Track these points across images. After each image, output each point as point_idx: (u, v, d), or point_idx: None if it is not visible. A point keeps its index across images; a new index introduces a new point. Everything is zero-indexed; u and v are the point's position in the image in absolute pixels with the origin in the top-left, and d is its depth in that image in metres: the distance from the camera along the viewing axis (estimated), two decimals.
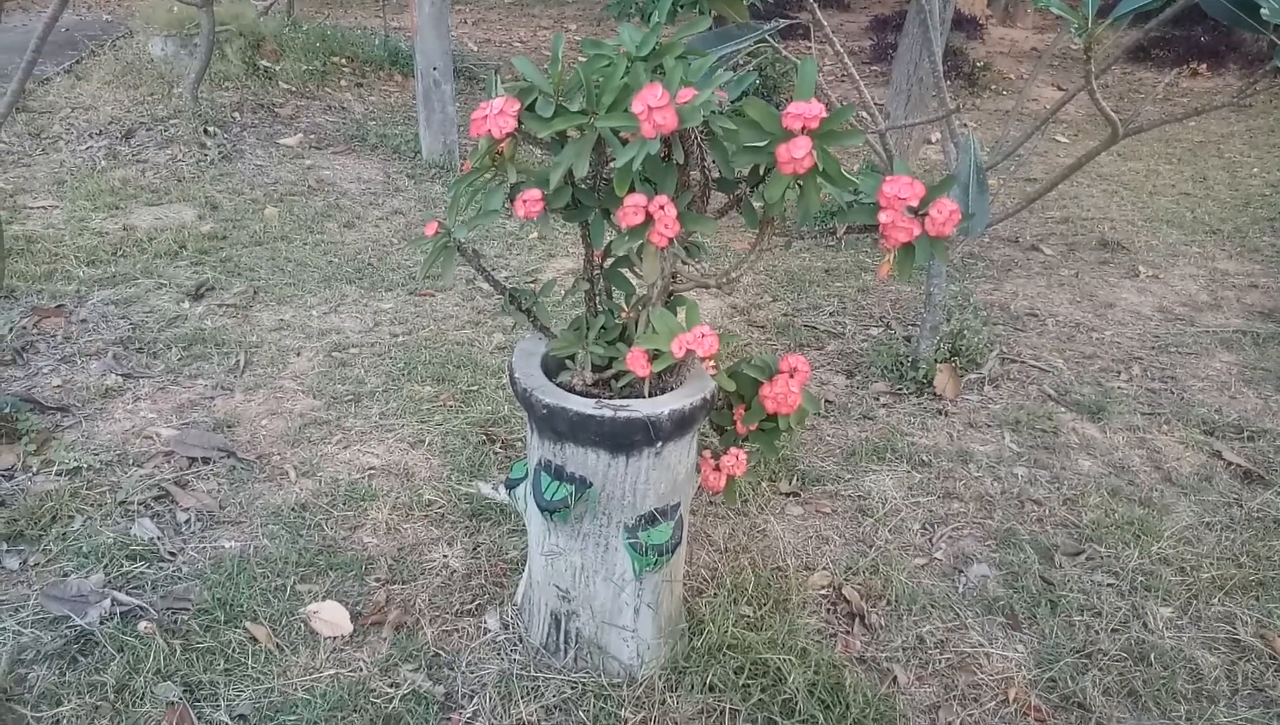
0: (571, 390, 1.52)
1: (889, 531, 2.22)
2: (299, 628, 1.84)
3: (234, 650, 1.77)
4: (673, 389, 1.51)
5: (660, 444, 1.46)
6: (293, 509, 2.21)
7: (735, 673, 1.67)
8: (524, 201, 1.41)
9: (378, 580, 1.99)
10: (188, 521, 2.16)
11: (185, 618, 1.84)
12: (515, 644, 1.78)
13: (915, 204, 1.42)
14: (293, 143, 5.07)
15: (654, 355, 1.45)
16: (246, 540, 2.11)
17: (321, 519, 2.18)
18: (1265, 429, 2.77)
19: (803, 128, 1.29)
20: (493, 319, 3.32)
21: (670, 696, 1.64)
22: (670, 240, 1.33)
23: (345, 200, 4.47)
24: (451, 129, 4.97)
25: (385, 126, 5.52)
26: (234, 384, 2.80)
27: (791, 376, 1.64)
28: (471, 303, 3.51)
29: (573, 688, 1.66)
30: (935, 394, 2.86)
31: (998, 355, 3.13)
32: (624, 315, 1.61)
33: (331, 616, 1.87)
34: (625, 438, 1.43)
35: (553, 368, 1.58)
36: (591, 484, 1.50)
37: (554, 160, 1.37)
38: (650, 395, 1.49)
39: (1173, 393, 3.02)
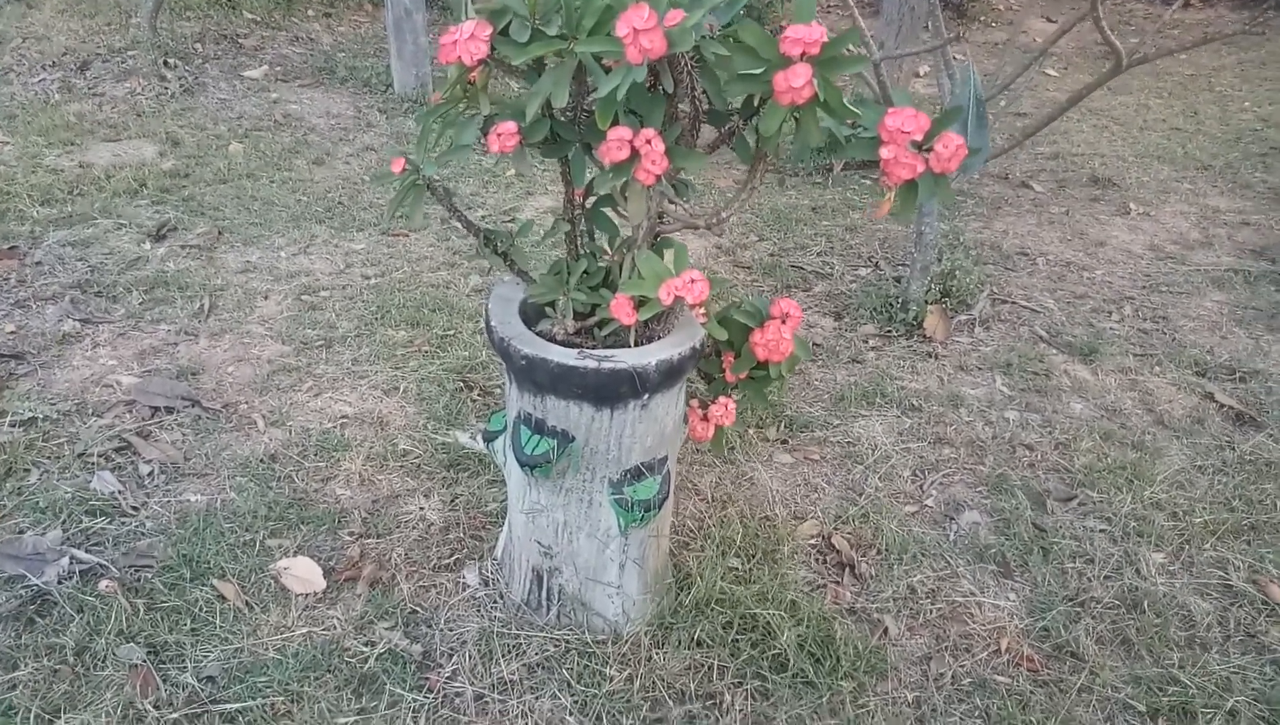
0: (552, 339, 1.43)
1: (879, 479, 2.16)
2: (269, 585, 1.77)
3: (201, 609, 1.70)
4: (660, 337, 1.43)
5: (647, 396, 1.38)
6: (261, 460, 2.13)
7: (724, 628, 1.62)
8: (498, 135, 1.30)
9: (351, 534, 1.92)
10: (150, 474, 2.07)
11: (149, 576, 1.76)
12: (495, 600, 1.72)
13: (919, 138, 1.32)
14: (258, 75, 4.85)
15: (640, 302, 1.36)
16: (213, 493, 2.02)
17: (292, 470, 2.10)
18: (1257, 370, 2.73)
19: (802, 54, 1.18)
20: (468, 260, 3.21)
21: (656, 653, 1.59)
22: (657, 177, 1.23)
23: (314, 136, 4.29)
24: (424, 61, 4.77)
25: (355, 58, 5.29)
26: (198, 329, 2.68)
27: (783, 322, 1.56)
28: (446, 243, 3.38)
29: (555, 645, 1.61)
30: (925, 336, 2.79)
31: (988, 296, 3.06)
32: (607, 258, 1.51)
33: (303, 573, 1.80)
34: (610, 390, 1.35)
35: (532, 315, 1.49)
36: (574, 438, 1.42)
37: (531, 90, 1.26)
38: (636, 344, 1.40)
39: (1164, 333, 2.96)
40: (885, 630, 1.76)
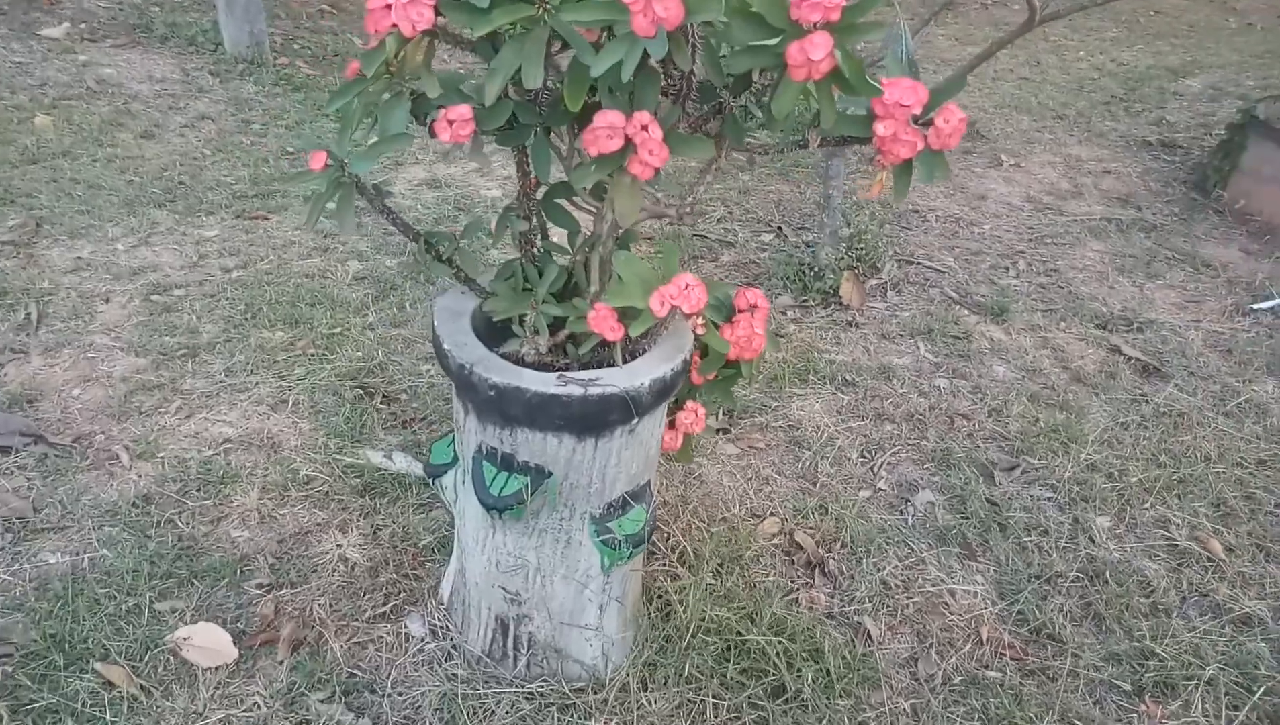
0: (520, 361, 1.22)
1: (829, 464, 2.06)
2: (167, 662, 1.48)
3: (84, 704, 1.40)
4: (646, 350, 1.24)
5: (636, 420, 1.19)
6: (133, 504, 1.80)
7: (714, 660, 1.47)
8: (449, 122, 1.06)
9: (260, 586, 1.64)
10: None
11: (7, 669, 1.44)
12: (450, 653, 1.50)
13: (919, 111, 1.18)
14: (58, 34, 4.21)
15: (625, 313, 1.16)
16: (77, 551, 1.69)
17: (173, 513, 1.79)
18: (1150, 320, 2.82)
19: (820, 20, 1.01)
20: (344, 244, 2.87)
21: (644, 696, 1.43)
22: (655, 171, 1.03)
23: (137, 104, 3.76)
24: (259, 16, 4.26)
25: (174, 14, 4.69)
26: (27, 345, 2.26)
27: (752, 314, 1.40)
28: (316, 225, 3.02)
29: (530, 701, 1.41)
30: (842, 304, 2.72)
31: (893, 257, 3.02)
32: (567, 259, 1.30)
33: (208, 641, 1.52)
34: (598, 418, 1.15)
35: (485, 330, 1.26)
36: (551, 474, 1.22)
37: (490, 65, 1.02)
38: (621, 360, 1.21)
39: (1060, 287, 3.02)
40: (867, 633, 1.66)
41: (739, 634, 1.50)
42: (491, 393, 1.14)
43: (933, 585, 1.78)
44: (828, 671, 1.53)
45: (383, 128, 1.11)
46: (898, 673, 1.60)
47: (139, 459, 1.92)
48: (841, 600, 1.73)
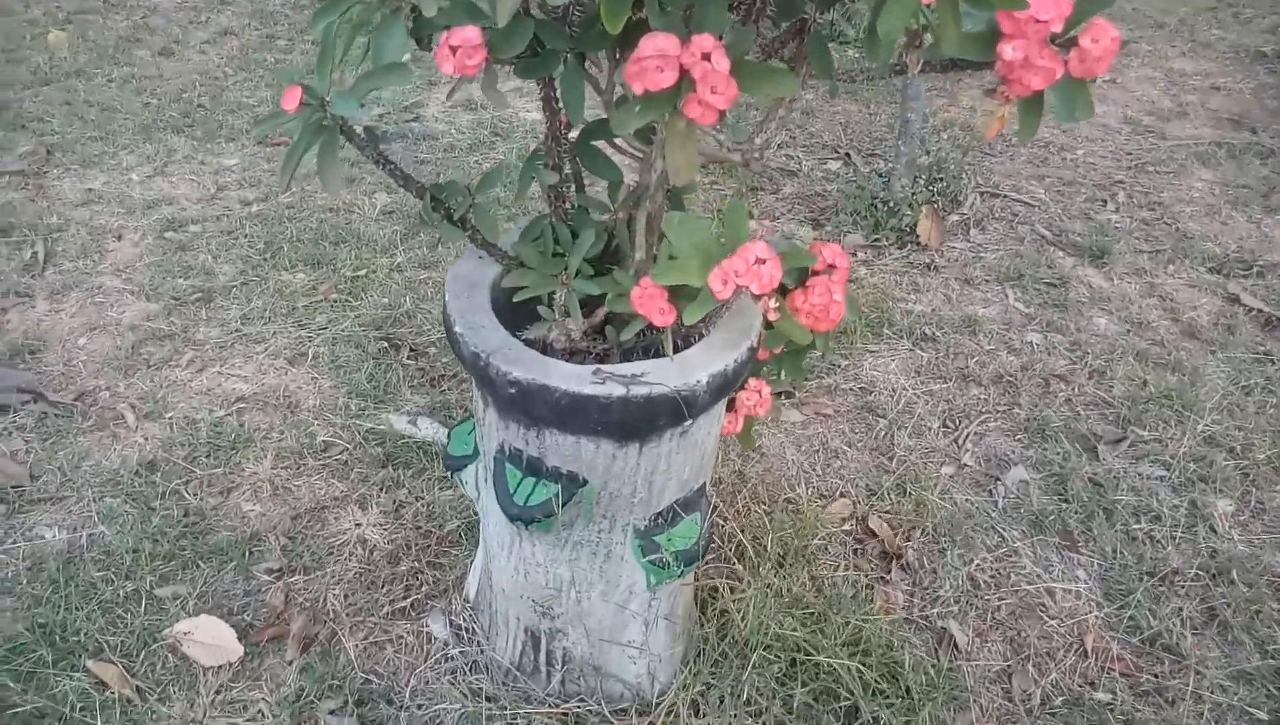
0: (548, 348, 0.99)
1: (907, 435, 1.83)
2: (165, 660, 1.33)
3: (73, 708, 1.26)
4: (702, 334, 1.00)
5: (691, 422, 0.97)
6: (136, 472, 1.64)
7: (777, 680, 1.27)
8: (452, 47, 0.81)
9: (270, 571, 1.48)
10: None
11: None
12: (475, 660, 1.32)
13: (1059, 29, 0.90)
14: None
15: (678, 292, 0.93)
16: (75, 526, 1.54)
17: (179, 482, 1.62)
18: (1273, 262, 2.48)
19: None
20: (371, 174, 2.65)
21: (696, 723, 1.24)
22: (720, 114, 0.78)
23: (156, 19, 3.53)
24: None
25: None
26: (33, 288, 2.10)
27: (830, 277, 1.15)
28: (342, 152, 2.79)
29: (564, 723, 1.23)
30: (919, 244, 2.43)
31: (976, 189, 2.71)
32: (608, 216, 1.06)
33: (211, 636, 1.36)
34: (642, 422, 0.93)
35: (509, 304, 1.04)
36: (587, 482, 1.00)
37: None
38: (672, 348, 0.98)
39: (1166, 223, 2.68)
40: (953, 642, 1.45)
41: (806, 651, 1.30)
42: (512, 390, 0.92)
43: (1028, 583, 1.56)
44: (908, 690, 1.32)
45: (375, 55, 0.87)
46: (988, 690, 1.39)
47: (145, 419, 1.76)
48: (922, 599, 1.52)
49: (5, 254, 2.20)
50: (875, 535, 1.61)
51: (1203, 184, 2.94)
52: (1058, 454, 1.80)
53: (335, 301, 2.11)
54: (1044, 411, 1.90)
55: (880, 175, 2.65)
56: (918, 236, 2.43)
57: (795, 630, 1.32)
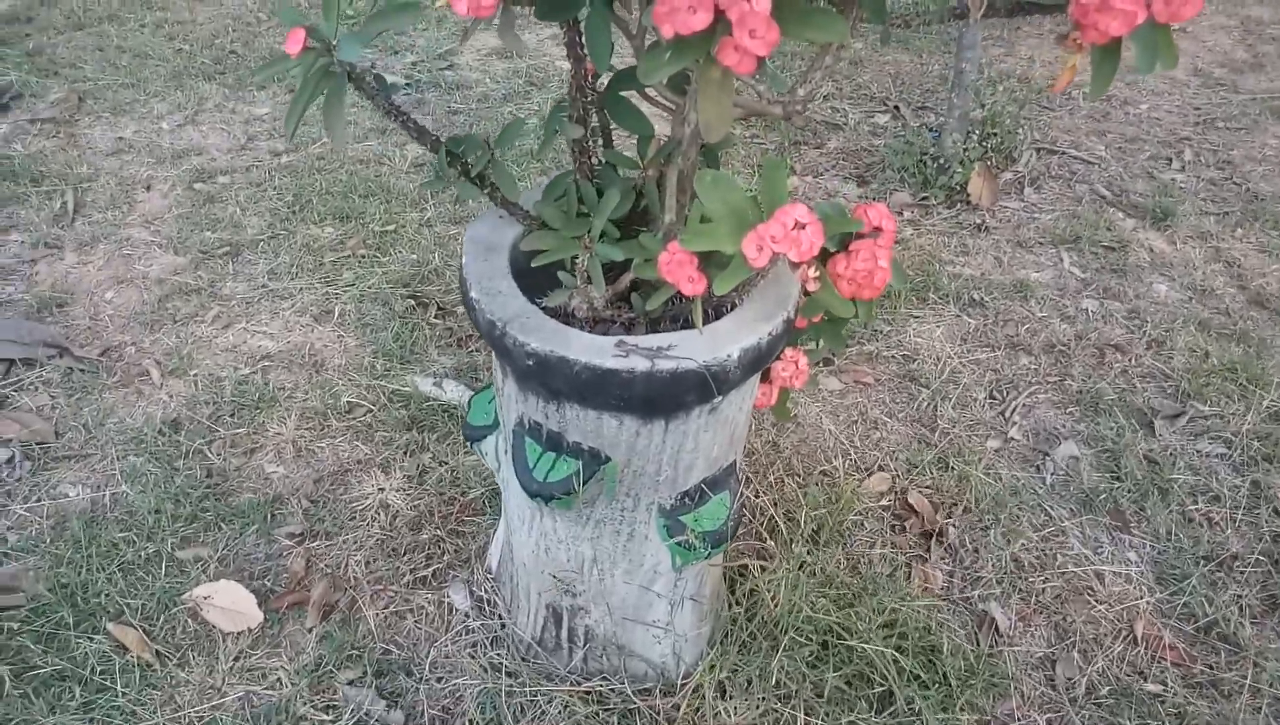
0: (570, 317, 0.93)
1: (951, 406, 1.74)
2: (184, 624, 1.32)
3: (93, 670, 1.24)
4: (734, 303, 0.93)
5: (720, 398, 0.90)
6: (160, 431, 1.62)
7: (808, 664, 1.22)
8: None
9: (291, 536, 1.45)
10: (10, 461, 1.55)
11: (13, 626, 1.29)
12: (495, 634, 1.29)
13: None
14: None
15: (709, 259, 0.86)
16: (99, 485, 1.52)
17: (203, 442, 1.60)
18: None
19: None
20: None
21: (723, 705, 1.19)
22: (759, 61, 0.70)
23: None
24: None
25: None
26: (62, 239, 2.08)
27: (875, 241, 1.07)
28: (295, 135, 2.74)
29: (585, 703, 1.20)
30: (970, 203, 2.32)
31: (1032, 145, 2.57)
32: (637, 173, 0.99)
33: (231, 602, 1.34)
34: (669, 398, 0.87)
35: (526, 268, 0.98)
36: (609, 459, 0.94)
37: None
38: (702, 319, 0.91)
39: (1235, 183, 2.53)
40: (994, 625, 1.38)
41: (839, 634, 1.24)
42: (530, 362, 0.86)
43: (1075, 564, 1.48)
44: (945, 676, 1.27)
45: None
46: (1030, 677, 1.33)
47: (170, 376, 1.74)
48: (963, 580, 1.45)
49: (36, 204, 2.18)
50: (915, 512, 1.54)
51: (1277, 141, 2.77)
52: (1111, 429, 1.71)
53: (363, 257, 2.07)
54: (1098, 383, 1.81)
55: (931, 130, 2.53)
56: (968, 195, 2.32)
57: (828, 612, 1.26)
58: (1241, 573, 1.48)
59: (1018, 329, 1.94)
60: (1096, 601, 1.43)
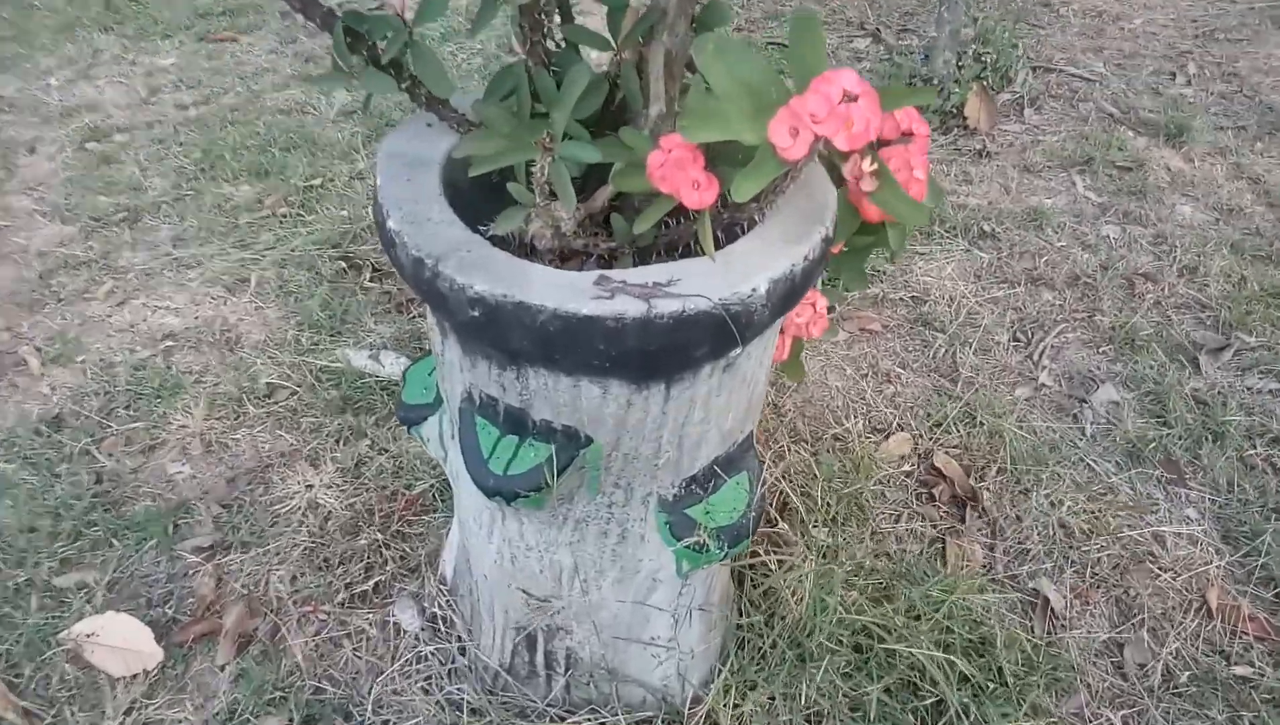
0: (529, 249, 0.68)
1: (972, 352, 1.52)
2: (61, 671, 1.06)
3: None
4: (748, 222, 0.69)
5: (741, 349, 0.66)
6: (37, 430, 1.34)
7: (841, 676, 0.99)
8: None
9: (199, 549, 1.19)
10: None
11: None
12: (454, 661, 1.04)
13: None
14: None
15: (714, 154, 0.61)
16: None
17: (90, 441, 1.33)
18: None
19: None
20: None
21: None
22: None
23: None
24: None
25: None
26: None
27: (907, 147, 0.83)
28: (294, 46, 2.44)
29: None
30: (967, 127, 2.09)
31: (1027, 64, 2.34)
32: (609, 59, 0.73)
33: (122, 638, 1.08)
34: (674, 352, 0.63)
35: (468, 189, 0.72)
36: (591, 441, 0.70)
37: None
38: (713, 244, 0.66)
39: (1246, 96, 2.33)
40: (1048, 606, 1.17)
41: (876, 635, 1.02)
42: (476, 312, 0.61)
43: (1131, 527, 1.27)
44: (1000, 673, 1.05)
45: None
46: (1096, 666, 1.12)
47: (52, 364, 1.45)
48: (1006, 554, 1.24)
49: None
50: (943, 476, 1.32)
51: None
52: (1151, 368, 1.50)
53: (285, 217, 1.79)
54: (1131, 317, 1.60)
55: (920, 51, 2.28)
56: (965, 119, 2.09)
57: (861, 609, 1.03)
58: None
59: (1035, 261, 1.72)
60: (1160, 569, 1.23)
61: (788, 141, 0.58)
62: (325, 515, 1.22)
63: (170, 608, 1.12)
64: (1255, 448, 1.40)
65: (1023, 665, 1.08)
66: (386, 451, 1.30)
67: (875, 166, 0.61)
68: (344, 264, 1.66)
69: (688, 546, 0.78)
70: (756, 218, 0.67)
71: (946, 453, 1.35)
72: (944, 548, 1.23)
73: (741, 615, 1.03)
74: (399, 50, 0.68)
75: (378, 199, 0.68)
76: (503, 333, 0.62)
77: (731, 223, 0.68)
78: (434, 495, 1.22)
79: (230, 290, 1.61)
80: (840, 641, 1.01)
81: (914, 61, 2.18)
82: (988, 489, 1.31)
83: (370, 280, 1.64)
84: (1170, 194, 1.92)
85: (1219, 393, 1.47)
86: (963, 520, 1.27)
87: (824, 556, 1.10)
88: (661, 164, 0.61)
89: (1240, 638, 1.15)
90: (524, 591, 0.88)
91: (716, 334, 0.62)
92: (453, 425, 0.80)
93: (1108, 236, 1.79)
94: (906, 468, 1.33)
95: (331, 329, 1.52)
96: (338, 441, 1.33)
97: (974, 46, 2.19)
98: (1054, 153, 2.03)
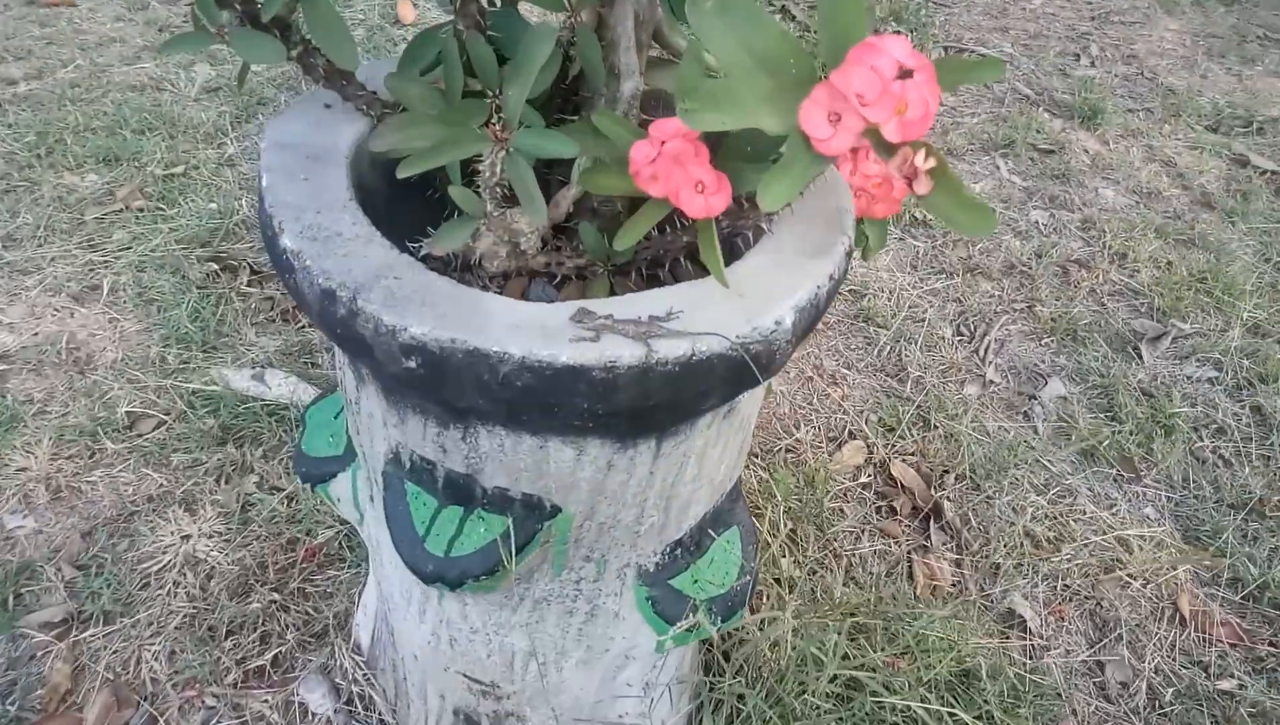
0: (471, 271, 0.52)
1: (918, 349, 1.43)
2: None
3: None
4: (749, 232, 0.55)
5: (749, 392, 0.52)
6: None
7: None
8: None
9: (49, 626, 0.98)
10: None
11: None
12: None
13: None
14: None
15: (727, 147, 0.47)
16: None
17: None
18: (1272, 118, 2.18)
19: None
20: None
21: None
22: None
23: None
24: None
25: None
26: None
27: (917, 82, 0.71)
28: (144, 13, 2.15)
29: None
30: None
31: (936, 44, 2.29)
32: (567, 20, 0.58)
33: None
34: (676, 404, 0.48)
35: (379, 189, 0.56)
36: (559, 510, 0.55)
37: None
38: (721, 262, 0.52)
39: (1146, 78, 2.34)
40: (1024, 625, 1.09)
41: (856, 682, 0.90)
42: (413, 363, 0.45)
43: (1095, 532, 1.21)
44: (988, 711, 0.96)
45: None
46: (1081, 689, 1.05)
47: None
48: (975, 570, 1.15)
49: None
50: (901, 487, 1.23)
51: (1172, 34, 2.61)
52: (1095, 359, 1.46)
53: (142, 211, 1.54)
54: (1069, 307, 1.55)
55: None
56: None
57: (840, 650, 0.92)
58: (1274, 518, 1.25)
59: (970, 249, 1.65)
60: (1129, 577, 1.17)
61: (825, 130, 0.44)
62: (207, 573, 1.03)
63: (13, 703, 0.91)
64: (1203, 439, 1.36)
65: (1010, 698, 0.99)
66: (279, 490, 1.11)
67: (932, 163, 0.48)
68: (216, 265, 1.44)
69: (670, 620, 0.64)
70: (763, 226, 0.54)
71: (903, 460, 1.26)
72: (910, 567, 1.13)
73: (710, 673, 0.90)
74: (285, 5, 0.51)
75: (265, 206, 0.51)
76: (450, 388, 0.46)
77: (732, 233, 0.54)
78: (341, 542, 1.05)
79: (78, 300, 1.37)
80: (826, 696, 0.89)
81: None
82: (948, 498, 1.22)
83: (248, 284, 1.42)
84: (1092, 177, 1.89)
85: (1162, 383, 1.44)
86: (927, 535, 1.18)
87: (792, 590, 0.98)
88: (652, 159, 0.47)
89: (1215, 645, 1.10)
90: (466, 675, 0.72)
91: (730, 379, 0.48)
92: (372, 486, 0.64)
93: (1037, 222, 1.73)
94: (863, 479, 1.23)
95: (204, 344, 1.30)
96: (218, 480, 1.13)
97: (888, 25, 2.11)
98: (975, 135, 1.97)
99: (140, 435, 1.18)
